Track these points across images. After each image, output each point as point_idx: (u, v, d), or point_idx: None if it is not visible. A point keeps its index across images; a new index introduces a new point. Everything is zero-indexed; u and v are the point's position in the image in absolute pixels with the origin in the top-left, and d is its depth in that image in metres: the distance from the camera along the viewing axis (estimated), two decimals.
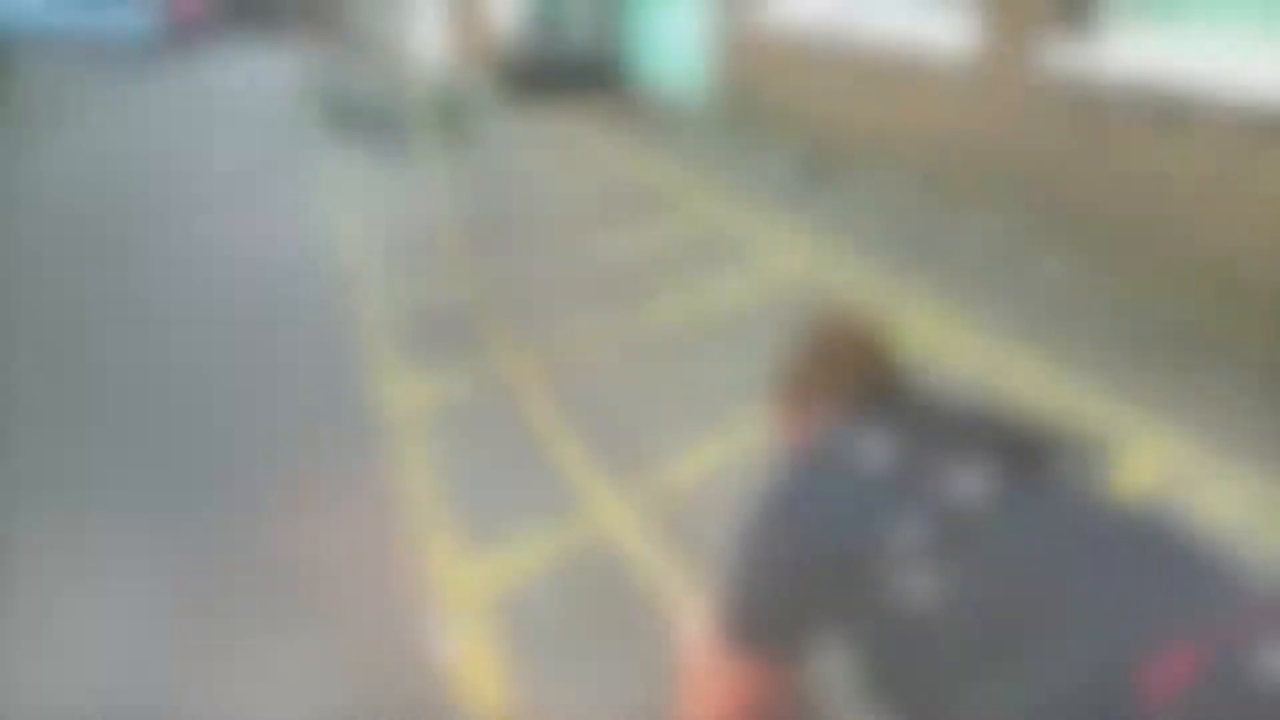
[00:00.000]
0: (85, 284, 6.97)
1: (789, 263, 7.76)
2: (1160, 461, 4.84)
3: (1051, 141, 7.88)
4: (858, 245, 8.23)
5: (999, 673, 1.84)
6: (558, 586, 3.79)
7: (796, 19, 11.93)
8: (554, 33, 18.81)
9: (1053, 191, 7.90)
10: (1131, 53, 7.28)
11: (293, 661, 3.42)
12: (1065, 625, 1.80)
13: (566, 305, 6.81)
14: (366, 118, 12.67)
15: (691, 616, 2.89)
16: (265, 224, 8.65)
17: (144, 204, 9.13)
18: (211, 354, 5.90)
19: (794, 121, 12.01)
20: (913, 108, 9.72)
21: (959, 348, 6.16)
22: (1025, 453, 2.11)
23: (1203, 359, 6.03)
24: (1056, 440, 2.15)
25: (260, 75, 19.67)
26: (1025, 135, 8.16)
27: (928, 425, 2.20)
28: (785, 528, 2.15)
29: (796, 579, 2.09)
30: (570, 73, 15.38)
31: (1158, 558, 1.86)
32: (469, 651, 3.42)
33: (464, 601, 3.68)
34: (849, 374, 2.44)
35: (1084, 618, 1.79)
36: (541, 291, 7.07)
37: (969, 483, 2.05)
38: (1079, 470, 2.12)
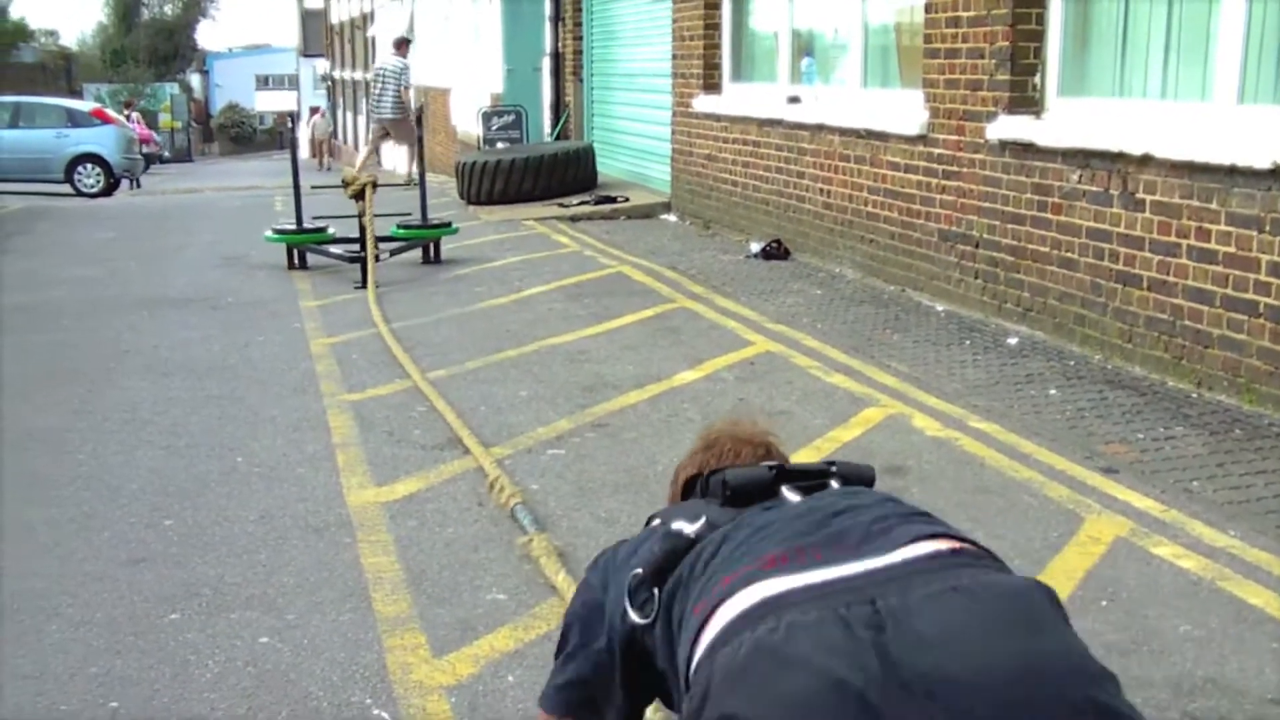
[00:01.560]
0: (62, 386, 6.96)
1: (752, 347, 7.79)
2: (1117, 524, 4.84)
3: (1003, 208, 7.97)
4: (815, 326, 8.27)
5: None
6: (524, 677, 3.74)
7: (749, 108, 12.10)
8: (517, 139, 19.05)
9: (1007, 256, 7.98)
10: (1075, 124, 7.40)
11: None
12: None
13: (529, 399, 6.81)
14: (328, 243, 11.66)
15: None
16: (230, 332, 8.66)
17: (112, 307, 9.15)
18: (178, 458, 5.86)
19: (752, 208, 12.12)
20: (871, 185, 9.83)
21: (920, 420, 6.18)
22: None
23: (1163, 415, 6.06)
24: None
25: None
26: (979, 205, 8.25)
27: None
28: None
29: None
30: (535, 176, 15.51)
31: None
32: None
33: (428, 692, 3.63)
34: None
35: None
36: (502, 387, 7.07)
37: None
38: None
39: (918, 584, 1.72)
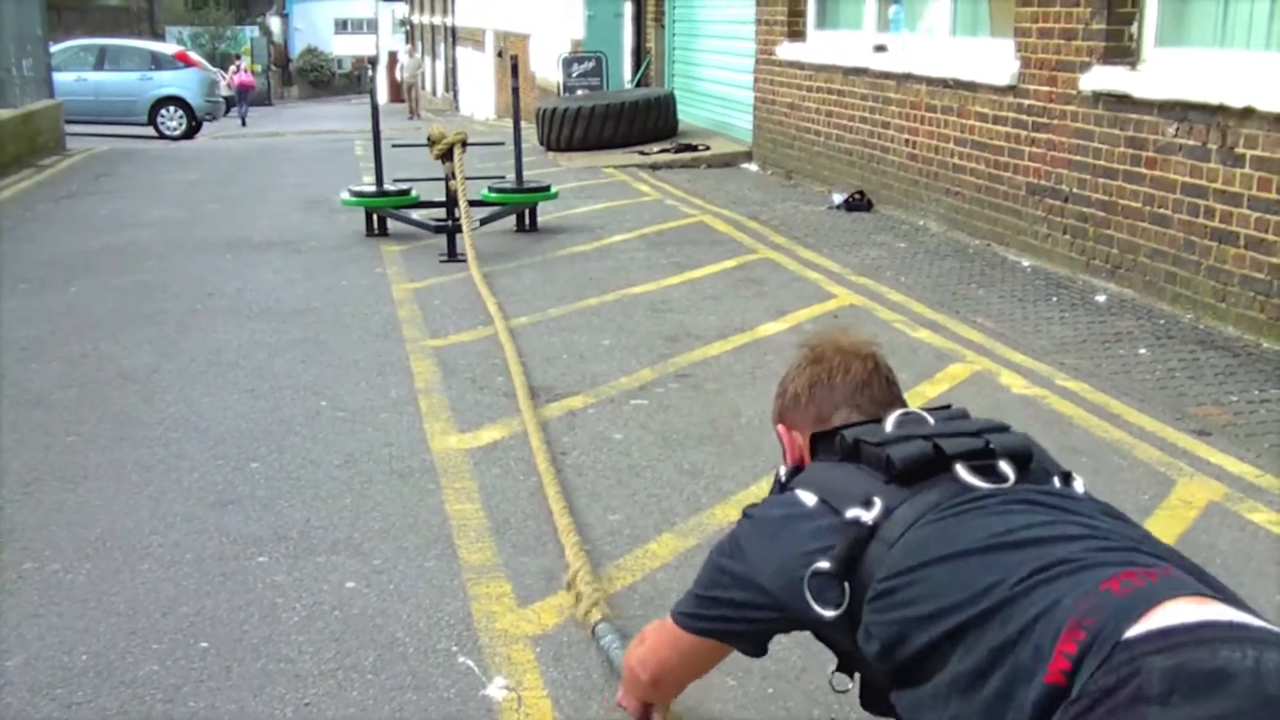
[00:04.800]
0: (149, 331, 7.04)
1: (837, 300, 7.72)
2: (1210, 488, 4.75)
3: (1094, 162, 7.81)
4: (899, 279, 8.18)
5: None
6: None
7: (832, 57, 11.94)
8: (597, 86, 18.96)
9: (1097, 211, 7.83)
10: (1173, 75, 7.22)
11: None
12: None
13: (612, 347, 6.79)
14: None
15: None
16: (312, 276, 8.70)
17: (196, 248, 9.22)
18: (263, 401, 5.91)
19: (835, 158, 11.99)
20: (958, 136, 9.68)
21: (1007, 378, 6.09)
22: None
23: (1257, 378, 5.93)
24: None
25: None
26: (1069, 158, 8.10)
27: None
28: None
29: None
30: (615, 123, 15.44)
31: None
32: (518, 693, 3.38)
33: (513, 641, 3.64)
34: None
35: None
36: (585, 335, 7.06)
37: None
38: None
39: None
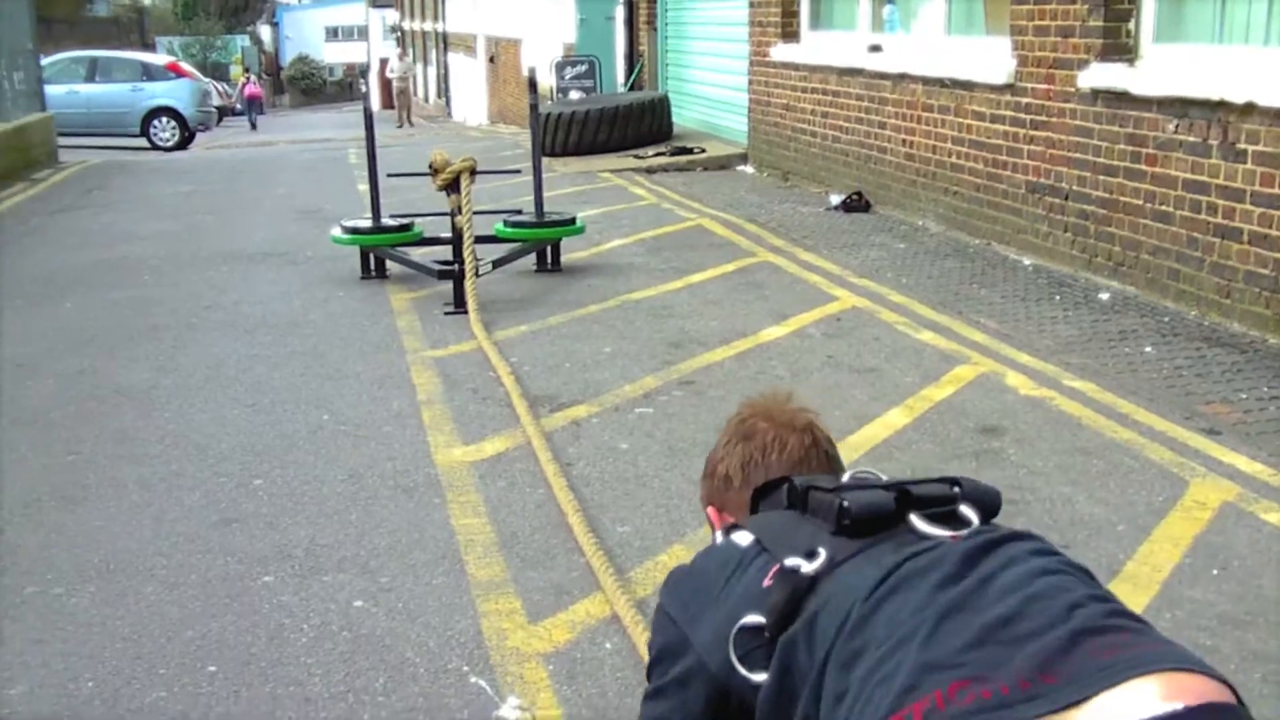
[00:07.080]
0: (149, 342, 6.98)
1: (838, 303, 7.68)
2: (1224, 489, 4.70)
3: (1094, 159, 7.76)
4: (900, 280, 8.13)
5: None
6: (621, 644, 3.69)
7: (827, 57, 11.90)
8: (590, 89, 18.92)
9: (1098, 209, 7.78)
10: (1172, 72, 7.18)
11: None
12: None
13: (614, 355, 6.74)
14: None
15: None
16: (309, 288, 8.64)
17: (192, 261, 9.15)
18: (263, 415, 5.85)
19: (831, 159, 11.95)
20: (955, 135, 9.63)
21: (1013, 379, 6.04)
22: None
23: (1265, 374, 5.89)
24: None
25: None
26: (1068, 156, 8.05)
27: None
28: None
29: None
30: (610, 127, 15.39)
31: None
32: (533, 713, 3.33)
33: (525, 659, 3.59)
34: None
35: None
36: (586, 343, 7.01)
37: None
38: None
39: None
